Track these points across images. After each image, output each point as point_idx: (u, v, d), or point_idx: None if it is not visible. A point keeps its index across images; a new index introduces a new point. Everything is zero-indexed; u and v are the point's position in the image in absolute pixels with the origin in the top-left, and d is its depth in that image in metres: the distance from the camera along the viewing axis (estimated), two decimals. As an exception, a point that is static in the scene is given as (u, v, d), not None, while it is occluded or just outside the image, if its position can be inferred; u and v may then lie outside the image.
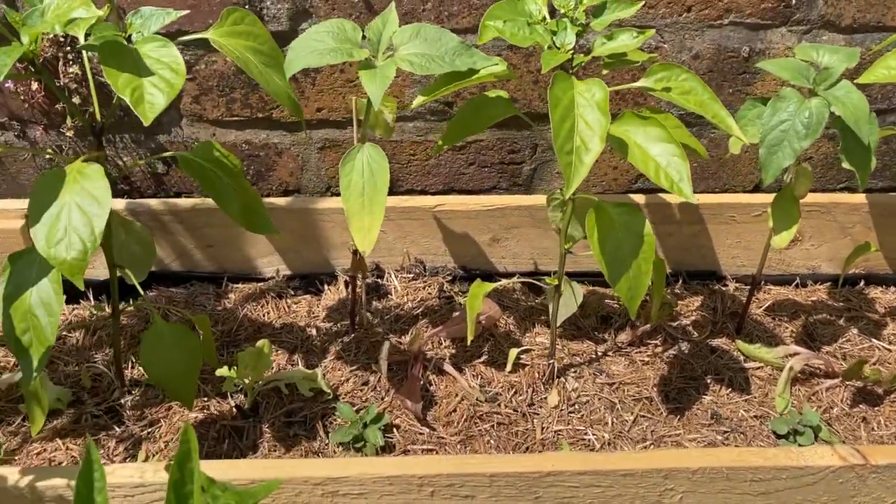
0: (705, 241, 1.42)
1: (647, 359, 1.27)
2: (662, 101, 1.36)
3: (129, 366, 1.21)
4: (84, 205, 0.82)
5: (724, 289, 1.42)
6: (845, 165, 1.04)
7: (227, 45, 0.90)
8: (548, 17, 1.00)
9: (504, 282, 1.21)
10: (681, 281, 1.43)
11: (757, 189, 1.49)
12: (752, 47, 1.35)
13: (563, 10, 0.99)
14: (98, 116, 0.95)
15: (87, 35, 0.87)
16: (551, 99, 0.88)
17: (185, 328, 1.01)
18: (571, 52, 0.94)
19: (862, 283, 1.45)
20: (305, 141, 1.39)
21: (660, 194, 1.40)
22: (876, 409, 1.20)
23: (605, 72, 1.03)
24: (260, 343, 1.12)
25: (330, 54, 0.97)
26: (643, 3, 1.00)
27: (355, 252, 1.19)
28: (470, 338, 1.10)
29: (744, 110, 1.10)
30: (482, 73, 0.98)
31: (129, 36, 0.89)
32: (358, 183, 1.01)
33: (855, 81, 1.05)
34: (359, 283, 1.26)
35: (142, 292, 1.02)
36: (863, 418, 1.19)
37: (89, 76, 0.96)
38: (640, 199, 1.39)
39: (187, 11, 0.93)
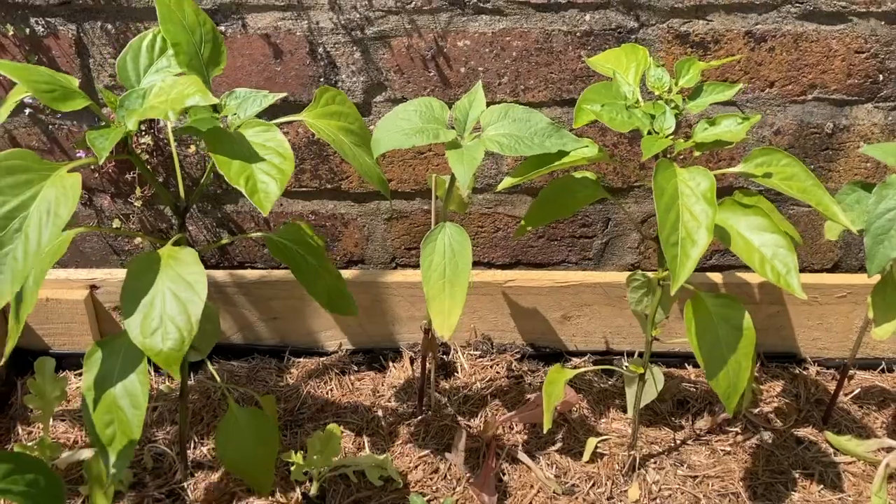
0: (785, 322, 1.36)
1: (728, 448, 1.21)
2: (750, 182, 1.31)
3: (191, 446, 1.17)
4: (179, 291, 0.79)
5: (805, 373, 1.35)
6: (955, 256, 0.98)
7: (322, 127, 0.88)
8: (640, 99, 0.97)
9: (581, 367, 1.15)
10: (759, 363, 1.36)
11: (836, 267, 1.43)
12: (836, 123, 1.31)
13: (657, 93, 0.96)
14: (182, 195, 0.92)
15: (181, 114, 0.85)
16: (656, 189, 0.84)
17: (261, 413, 0.97)
18: (671, 136, 0.90)
19: (952, 369, 1.37)
20: (373, 212, 1.36)
21: (737, 272, 1.35)
22: (981, 512, 1.12)
23: (696, 154, 0.99)
24: (330, 427, 1.07)
25: (417, 135, 0.94)
26: (741, 87, 0.96)
27: (427, 331, 1.15)
28: (546, 427, 1.04)
29: (841, 195, 1.05)
30: (573, 156, 0.95)
31: (225, 118, 0.86)
32: (439, 264, 0.98)
33: (963, 168, 1.00)
34: (428, 363, 1.22)
35: (216, 376, 0.98)
36: (968, 522, 1.11)
37: (174, 153, 0.94)
38: (716, 277, 1.34)
39: (284, 94, 0.90)
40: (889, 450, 1.17)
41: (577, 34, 1.22)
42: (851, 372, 1.36)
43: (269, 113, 0.97)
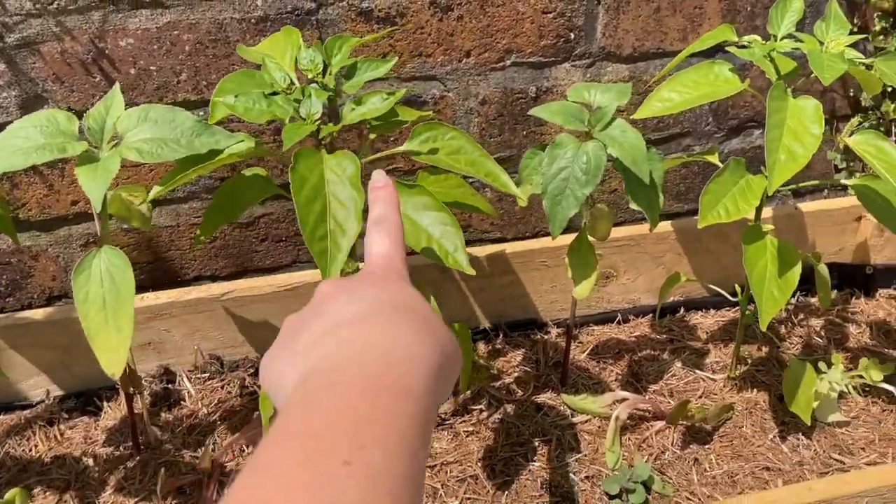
0: (521, 290, 1.36)
1: (471, 429, 1.18)
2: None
3: None
4: None
5: (545, 337, 1.35)
6: (633, 206, 0.99)
7: None
8: (296, 82, 0.90)
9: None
10: (501, 335, 1.35)
11: (569, 228, 1.44)
12: (538, 86, 1.31)
13: (310, 75, 0.89)
14: None
15: None
16: (294, 180, 0.77)
17: None
18: (318, 122, 0.84)
19: (682, 310, 1.42)
20: (65, 239, 1.22)
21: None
22: (706, 447, 1.15)
23: (372, 136, 0.94)
24: (12, 493, 0.94)
25: (37, 153, 0.82)
26: (395, 61, 0.91)
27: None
28: (267, 444, 0.96)
29: (526, 159, 1.03)
30: (226, 154, 0.87)
31: None
32: (97, 295, 0.87)
33: (631, 118, 1.01)
34: (136, 400, 1.10)
35: None
36: (694, 459, 1.14)
37: None
38: (446, 256, 1.30)
39: None
40: (622, 401, 1.19)
41: (252, 21, 1.13)
42: (590, 329, 1.38)
43: None
